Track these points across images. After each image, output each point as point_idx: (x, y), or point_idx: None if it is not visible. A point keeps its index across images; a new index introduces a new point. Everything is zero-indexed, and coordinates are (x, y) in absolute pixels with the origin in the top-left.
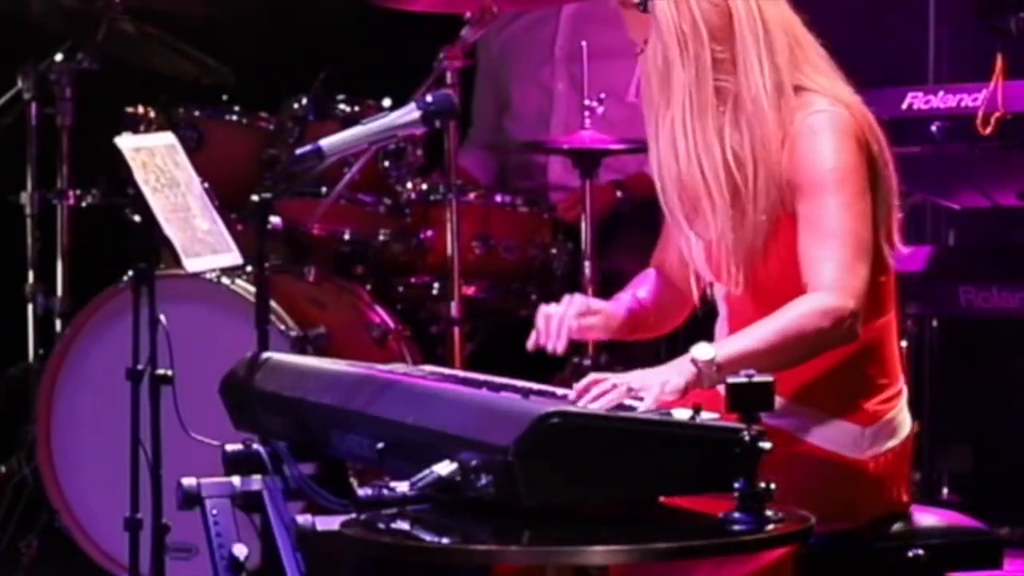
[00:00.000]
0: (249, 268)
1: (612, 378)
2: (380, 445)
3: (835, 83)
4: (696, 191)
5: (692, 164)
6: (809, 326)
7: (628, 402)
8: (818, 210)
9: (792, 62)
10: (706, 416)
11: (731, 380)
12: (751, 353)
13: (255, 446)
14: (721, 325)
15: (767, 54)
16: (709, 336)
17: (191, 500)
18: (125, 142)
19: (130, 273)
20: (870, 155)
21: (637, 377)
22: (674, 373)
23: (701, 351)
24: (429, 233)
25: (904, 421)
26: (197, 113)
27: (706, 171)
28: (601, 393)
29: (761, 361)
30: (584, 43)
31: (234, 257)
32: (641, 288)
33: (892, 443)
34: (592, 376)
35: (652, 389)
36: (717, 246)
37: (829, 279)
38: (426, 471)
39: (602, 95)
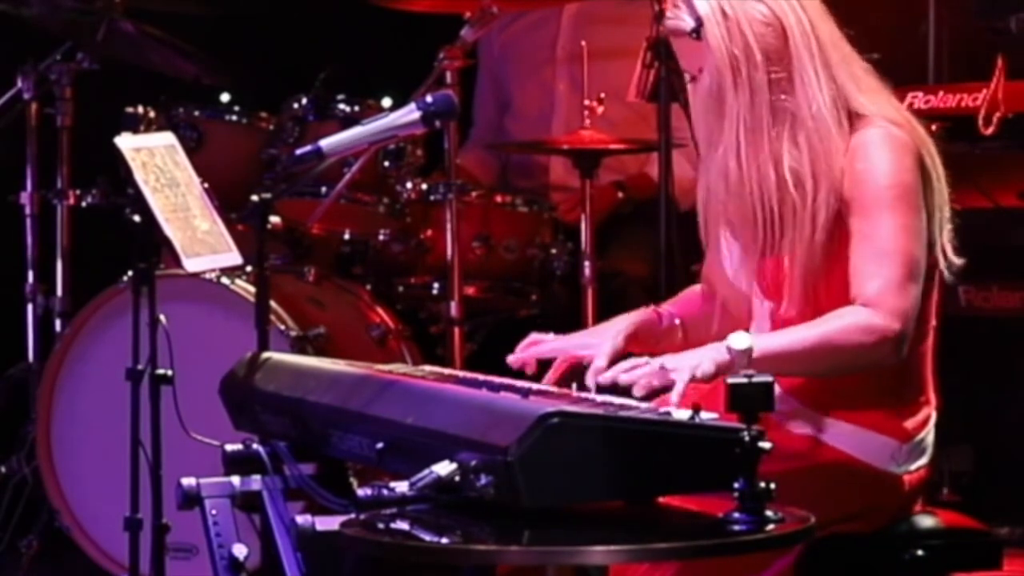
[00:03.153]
0: (249, 268)
1: (646, 358)
2: (380, 445)
3: (881, 98)
4: (745, 216)
5: (744, 190)
6: (852, 340)
7: (629, 401)
8: (873, 227)
9: (846, 78)
10: (706, 416)
11: (731, 380)
12: (788, 353)
13: (255, 446)
14: None
15: (823, 69)
16: None
17: (191, 500)
18: (125, 142)
19: (130, 273)
20: (924, 170)
21: (671, 359)
22: (707, 358)
23: (738, 340)
24: (429, 233)
25: (932, 441)
26: (197, 113)
27: (757, 197)
28: (633, 367)
29: (796, 363)
30: (584, 43)
31: (234, 257)
32: (670, 303)
33: (923, 461)
34: (631, 361)
35: (683, 372)
36: (774, 266)
37: (879, 297)
38: (426, 471)
39: (602, 95)
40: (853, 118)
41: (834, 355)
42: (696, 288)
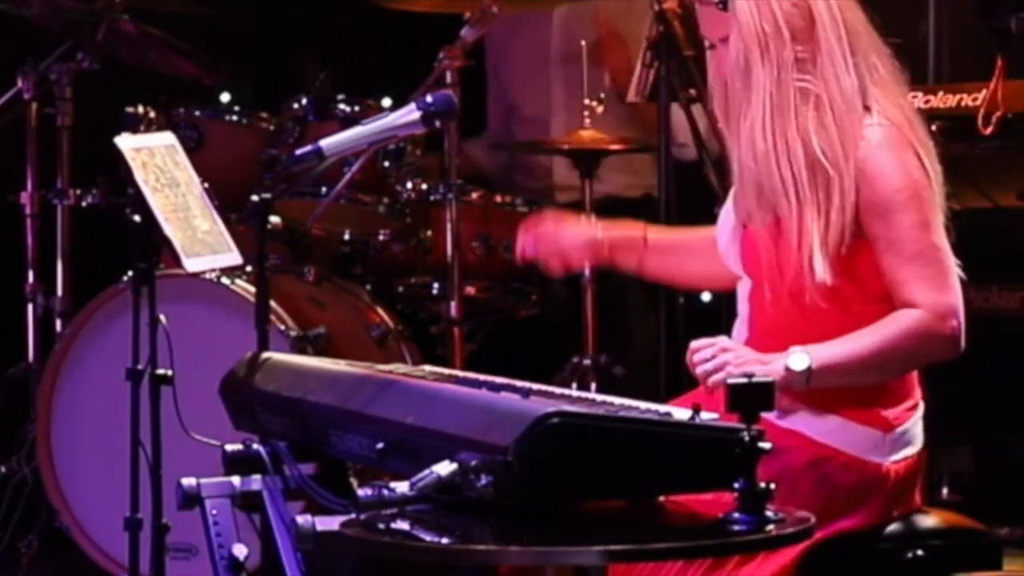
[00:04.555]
0: (249, 268)
1: (733, 352)
2: (380, 445)
3: (889, 91)
4: (775, 191)
5: (772, 164)
6: (910, 346)
7: (628, 401)
8: (896, 231)
9: (865, 66)
10: (706, 416)
11: (731, 381)
12: (847, 364)
13: (255, 446)
14: (740, 327)
15: (849, 54)
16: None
17: (191, 500)
18: (125, 142)
19: (130, 273)
20: (924, 168)
21: (739, 365)
22: (772, 374)
23: (797, 361)
24: (429, 233)
25: (920, 432)
26: (197, 113)
27: (785, 170)
28: (717, 368)
29: (856, 374)
30: (584, 43)
31: (234, 257)
32: (664, 230)
33: (909, 451)
34: (722, 343)
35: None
36: (798, 242)
37: (924, 299)
38: (426, 471)
39: (602, 95)
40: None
41: (893, 363)
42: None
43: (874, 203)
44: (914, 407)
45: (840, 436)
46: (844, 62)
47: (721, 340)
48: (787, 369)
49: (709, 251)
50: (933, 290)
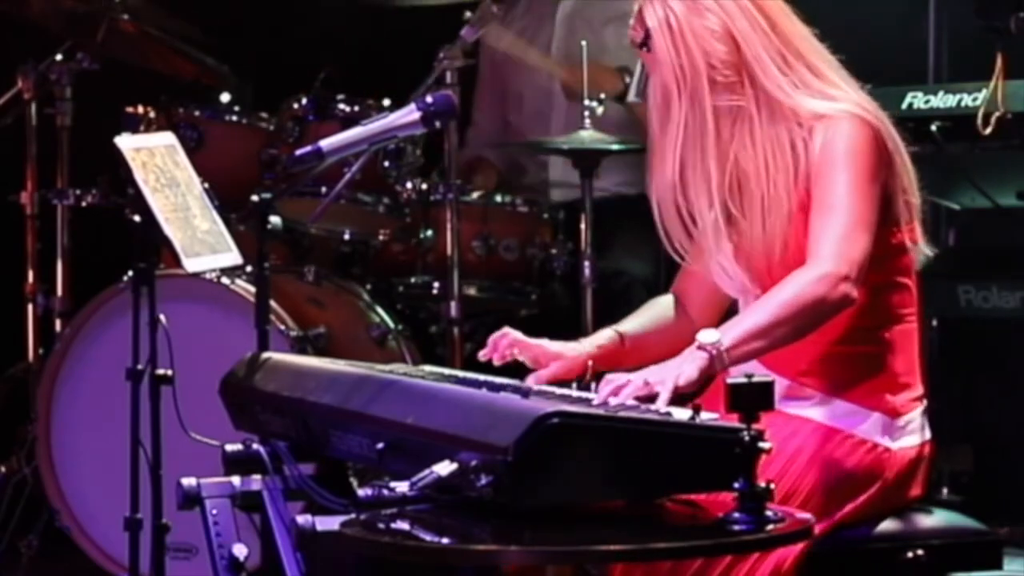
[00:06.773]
0: (249, 268)
1: (628, 375)
2: (380, 445)
3: (844, 89)
4: (695, 218)
5: (691, 195)
6: (806, 295)
7: (629, 401)
8: (824, 187)
9: (808, 74)
10: (706, 416)
11: (731, 380)
12: (755, 329)
13: (255, 446)
14: None
15: (781, 66)
16: None
17: (191, 500)
18: (125, 142)
19: (130, 273)
20: (886, 151)
21: (653, 372)
22: (687, 363)
23: (706, 336)
24: (429, 233)
25: (924, 425)
26: (197, 113)
27: (705, 200)
28: (618, 388)
29: (766, 336)
30: (584, 43)
31: (234, 257)
32: (632, 321)
33: (914, 440)
34: (608, 376)
35: (668, 381)
36: (733, 263)
37: (826, 249)
38: (426, 471)
39: (602, 95)
40: (814, 100)
41: (796, 315)
42: (666, 300)
43: (816, 166)
44: (918, 399)
45: (848, 419)
46: (777, 70)
47: (616, 377)
48: (701, 347)
49: (676, 321)
50: (837, 240)
